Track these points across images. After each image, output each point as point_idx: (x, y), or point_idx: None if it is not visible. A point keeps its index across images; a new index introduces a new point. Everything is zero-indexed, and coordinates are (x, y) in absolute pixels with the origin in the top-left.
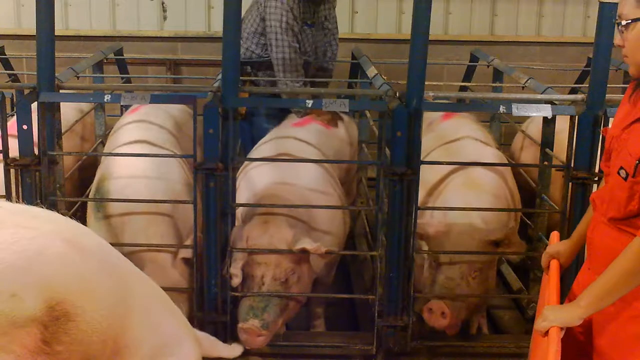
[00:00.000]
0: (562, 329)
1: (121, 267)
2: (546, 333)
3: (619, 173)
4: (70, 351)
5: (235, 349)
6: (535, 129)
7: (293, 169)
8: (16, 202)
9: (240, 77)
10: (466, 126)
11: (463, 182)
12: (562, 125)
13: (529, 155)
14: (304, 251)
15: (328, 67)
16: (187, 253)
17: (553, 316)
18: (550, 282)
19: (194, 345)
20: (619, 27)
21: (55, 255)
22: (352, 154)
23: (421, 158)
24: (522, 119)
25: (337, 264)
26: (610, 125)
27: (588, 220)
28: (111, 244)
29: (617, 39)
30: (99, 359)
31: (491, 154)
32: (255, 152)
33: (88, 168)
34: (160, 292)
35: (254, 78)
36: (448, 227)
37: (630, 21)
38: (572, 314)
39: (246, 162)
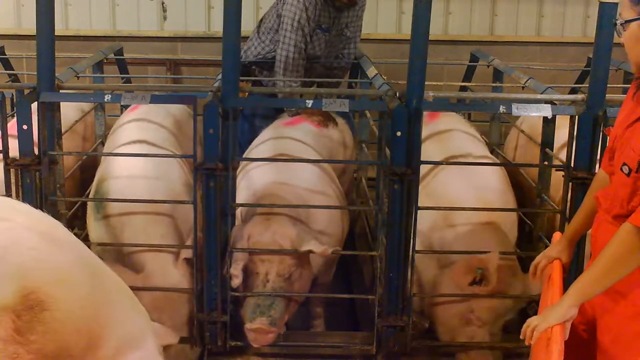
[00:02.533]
0: (565, 327)
1: (93, 260)
2: (538, 337)
3: (621, 169)
4: (45, 340)
5: (172, 334)
6: (527, 127)
7: (292, 169)
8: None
9: (242, 77)
10: (459, 125)
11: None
12: (559, 122)
13: (520, 152)
14: (310, 252)
15: (339, 66)
16: (188, 253)
17: (550, 316)
18: (554, 283)
19: (154, 339)
20: (616, 27)
21: (30, 246)
22: (346, 156)
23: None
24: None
25: (335, 264)
26: (612, 125)
27: (581, 216)
28: (111, 244)
29: (620, 39)
30: (74, 349)
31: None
32: (252, 152)
33: (88, 168)
34: (125, 287)
35: (256, 78)
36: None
37: (624, 21)
38: (562, 306)
39: (245, 162)
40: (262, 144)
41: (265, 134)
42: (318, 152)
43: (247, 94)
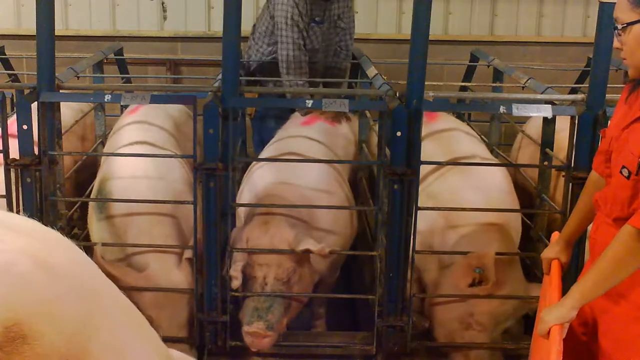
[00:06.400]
0: (563, 328)
1: (93, 287)
2: (547, 334)
3: (621, 172)
4: None
5: None
6: (534, 129)
7: (298, 169)
8: (16, 202)
9: (241, 77)
10: (460, 125)
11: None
12: (561, 124)
13: (525, 155)
14: (308, 252)
15: (341, 66)
16: (190, 254)
17: (549, 316)
18: (552, 283)
19: None
20: (616, 31)
21: (18, 275)
22: (355, 154)
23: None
24: (522, 119)
25: (341, 265)
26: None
27: (577, 217)
28: (113, 244)
29: (615, 42)
30: None
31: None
32: (265, 152)
33: (88, 168)
34: (132, 312)
35: (259, 78)
36: None
37: (625, 25)
38: (564, 307)
39: (253, 162)
40: (276, 144)
41: (282, 133)
42: (334, 151)
43: (256, 94)
